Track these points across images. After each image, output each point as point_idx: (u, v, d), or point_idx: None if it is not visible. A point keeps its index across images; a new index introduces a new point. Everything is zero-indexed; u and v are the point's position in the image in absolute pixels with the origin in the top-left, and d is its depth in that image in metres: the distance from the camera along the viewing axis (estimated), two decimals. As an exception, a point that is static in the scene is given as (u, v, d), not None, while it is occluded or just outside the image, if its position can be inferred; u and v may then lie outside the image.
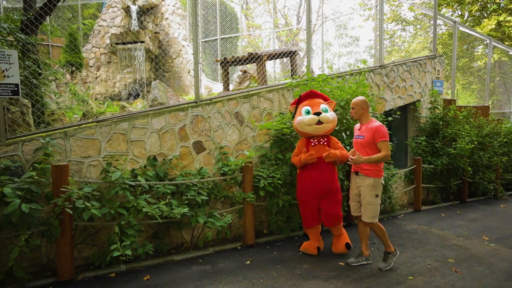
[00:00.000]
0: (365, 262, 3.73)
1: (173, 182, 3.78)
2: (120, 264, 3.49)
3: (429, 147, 6.62)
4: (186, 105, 4.24)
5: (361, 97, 3.66)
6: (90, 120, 3.88)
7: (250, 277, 3.41)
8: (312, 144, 3.89)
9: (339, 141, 4.01)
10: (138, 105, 9.42)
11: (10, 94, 3.33)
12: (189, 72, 11.44)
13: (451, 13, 15.17)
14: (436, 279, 3.42)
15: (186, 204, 3.70)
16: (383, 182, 3.63)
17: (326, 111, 3.85)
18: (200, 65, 11.19)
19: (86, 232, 3.58)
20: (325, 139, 3.93)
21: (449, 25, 10.28)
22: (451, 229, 5.17)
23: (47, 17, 6.52)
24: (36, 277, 3.15)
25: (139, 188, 3.55)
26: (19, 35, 4.86)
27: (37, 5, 6.06)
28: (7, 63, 3.30)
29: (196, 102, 4.34)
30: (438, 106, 6.89)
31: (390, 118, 5.34)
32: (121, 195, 3.40)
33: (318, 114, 3.78)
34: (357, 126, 3.76)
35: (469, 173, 6.87)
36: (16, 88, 3.37)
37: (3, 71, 3.29)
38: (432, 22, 11.27)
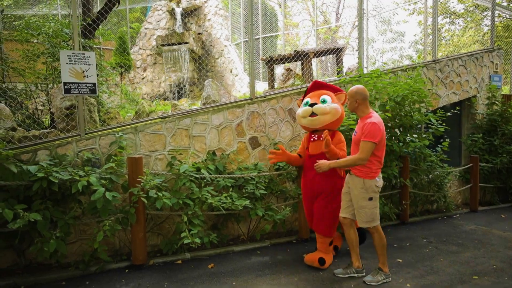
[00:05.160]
0: (355, 275, 3.28)
1: (233, 175, 3.94)
2: (185, 252, 3.70)
3: (486, 145, 6.31)
4: (242, 102, 4.39)
5: (356, 87, 3.17)
6: (156, 117, 4.13)
7: (309, 269, 3.47)
8: (312, 139, 3.56)
9: (344, 141, 3.54)
10: (184, 104, 9.80)
11: (89, 92, 3.64)
12: (231, 71, 11.69)
13: (505, 3, 14.23)
14: (503, 280, 3.30)
15: (246, 197, 3.84)
16: (378, 185, 3.13)
17: (324, 102, 3.47)
18: (244, 64, 11.39)
19: (152, 221, 3.83)
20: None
21: (504, 16, 9.67)
22: (514, 230, 4.92)
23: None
24: (114, 260, 3.43)
25: (204, 180, 3.73)
26: (79, 39, 5.27)
27: (94, 10, 6.53)
28: (86, 64, 3.61)
29: (251, 99, 4.48)
30: (497, 102, 6.54)
31: (448, 114, 5.16)
32: (187, 186, 3.60)
33: (312, 105, 3.45)
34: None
35: (531, 173, 6.47)
36: (94, 87, 3.67)
37: (83, 71, 3.60)
38: (485, 14, 10.65)
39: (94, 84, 3.67)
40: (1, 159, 2.86)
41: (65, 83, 3.51)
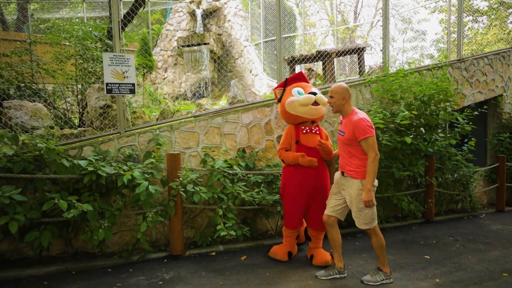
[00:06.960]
0: (337, 276, 3.18)
1: (263, 172, 4.08)
2: (218, 245, 3.87)
3: (513, 144, 6.26)
4: (271, 101, 4.53)
5: (340, 84, 3.07)
6: (189, 115, 4.32)
7: (339, 263, 3.58)
8: (304, 131, 3.35)
9: (328, 134, 3.56)
10: (206, 104, 10.02)
11: (128, 92, 3.85)
12: (250, 72, 11.85)
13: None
14: (534, 278, 3.32)
15: (275, 193, 3.98)
16: (374, 184, 2.98)
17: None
18: (263, 65, 11.52)
19: (186, 215, 4.01)
20: (317, 128, 3.44)
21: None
22: (543, 230, 4.89)
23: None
24: (153, 251, 3.63)
25: (237, 176, 3.89)
26: (107, 41, 5.51)
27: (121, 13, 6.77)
28: (126, 65, 3.82)
29: (279, 98, 4.60)
30: (524, 101, 6.47)
31: (475, 113, 5.17)
32: (220, 182, 3.77)
33: (314, 94, 3.31)
34: (340, 119, 3.17)
35: (559, 173, 6.37)
36: (133, 87, 3.88)
37: (123, 72, 3.81)
38: (510, 11, 10.45)
39: (133, 85, 3.88)
40: (54, 154, 3.08)
41: (107, 84, 3.73)
